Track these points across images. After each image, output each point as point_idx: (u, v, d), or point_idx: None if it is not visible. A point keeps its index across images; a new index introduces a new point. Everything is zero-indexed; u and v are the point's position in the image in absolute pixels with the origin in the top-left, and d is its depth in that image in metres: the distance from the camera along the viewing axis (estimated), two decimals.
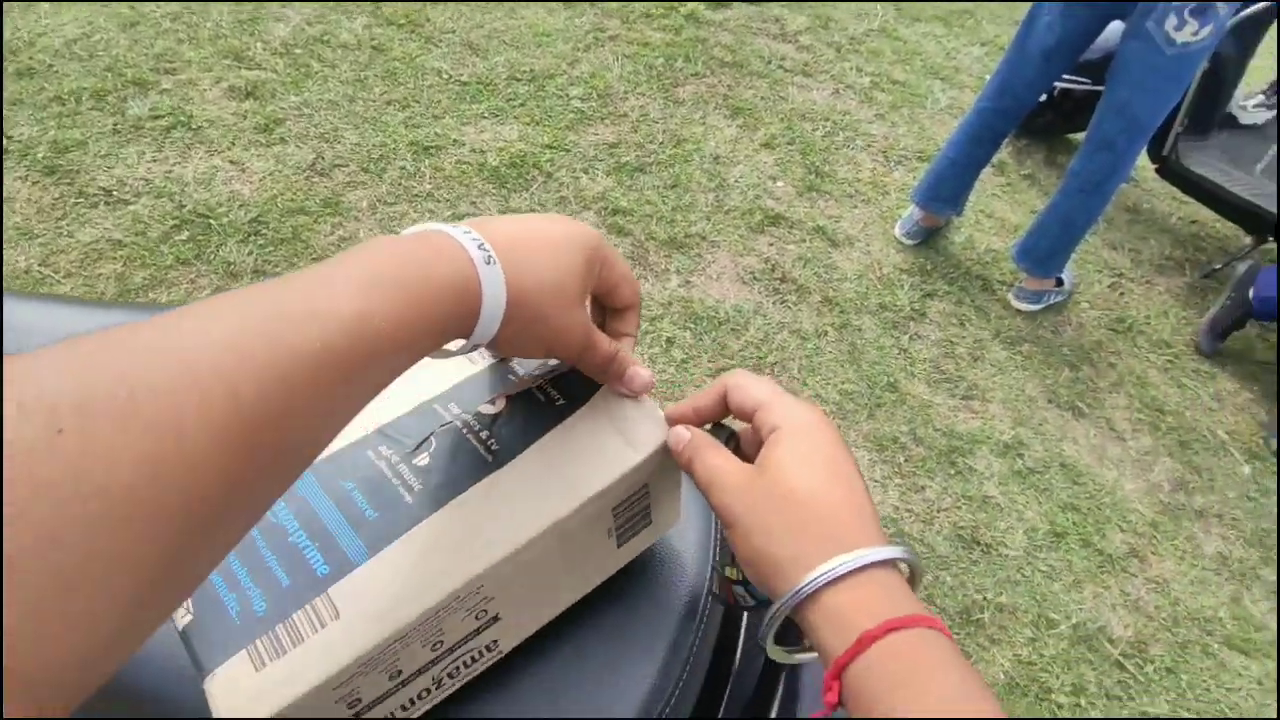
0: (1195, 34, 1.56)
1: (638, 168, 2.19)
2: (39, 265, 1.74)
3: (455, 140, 2.17)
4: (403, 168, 2.07)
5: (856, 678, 0.30)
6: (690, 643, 0.46)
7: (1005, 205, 2.34)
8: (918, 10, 3.12)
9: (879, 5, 3.10)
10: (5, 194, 1.86)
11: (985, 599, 1.46)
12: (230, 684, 0.34)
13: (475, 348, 0.36)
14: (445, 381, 0.45)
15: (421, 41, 2.47)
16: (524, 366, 0.45)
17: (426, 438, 0.42)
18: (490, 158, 2.13)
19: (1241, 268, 2.04)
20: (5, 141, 1.97)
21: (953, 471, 1.65)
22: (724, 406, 0.41)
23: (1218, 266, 2.21)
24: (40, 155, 1.95)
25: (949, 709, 0.28)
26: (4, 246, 1.76)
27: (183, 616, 0.37)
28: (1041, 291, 2.01)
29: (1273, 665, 1.48)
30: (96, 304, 0.63)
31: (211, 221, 1.87)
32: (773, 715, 0.54)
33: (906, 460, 1.65)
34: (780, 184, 2.24)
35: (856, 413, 1.72)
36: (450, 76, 2.36)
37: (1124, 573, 1.56)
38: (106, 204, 1.88)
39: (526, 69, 2.43)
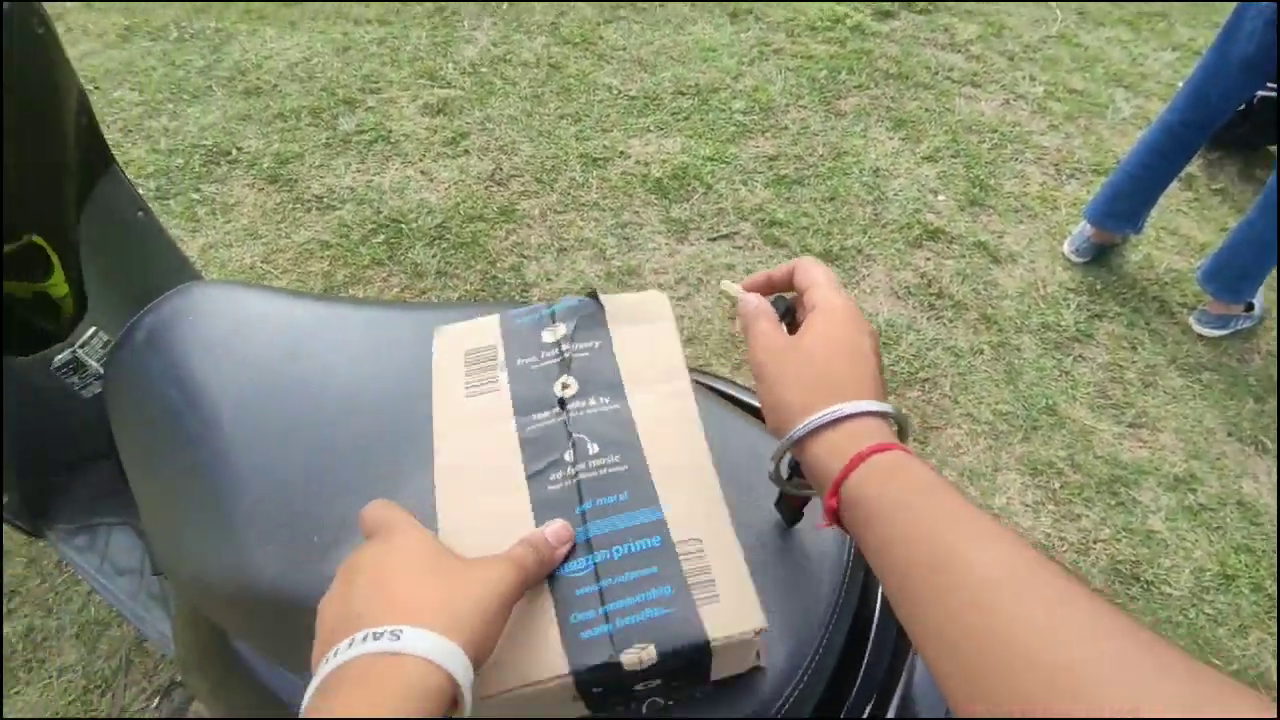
0: None
1: (796, 180, 2.24)
2: (261, 262, 2.04)
3: (622, 152, 2.32)
4: (572, 178, 2.24)
5: (851, 489, 0.38)
6: (818, 640, 0.50)
7: (1192, 222, 2.19)
8: (1102, 13, 2.95)
9: (1059, 7, 2.96)
10: (235, 200, 2.20)
11: None
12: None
13: None
14: None
15: (594, 59, 2.64)
16: None
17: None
18: (654, 169, 2.26)
19: None
20: (236, 152, 2.31)
21: (1114, 502, 1.59)
22: (790, 280, 0.49)
23: None
24: (265, 165, 2.27)
25: (928, 487, 0.36)
26: (230, 246, 2.07)
27: None
28: (1228, 316, 1.88)
29: None
30: (307, 295, 0.77)
31: (403, 226, 2.11)
32: (891, 716, 0.56)
33: (1062, 487, 1.61)
34: (941, 198, 2.21)
35: (1010, 434, 1.70)
36: (620, 91, 2.52)
37: None
38: (318, 209, 2.17)
39: (692, 83, 2.54)
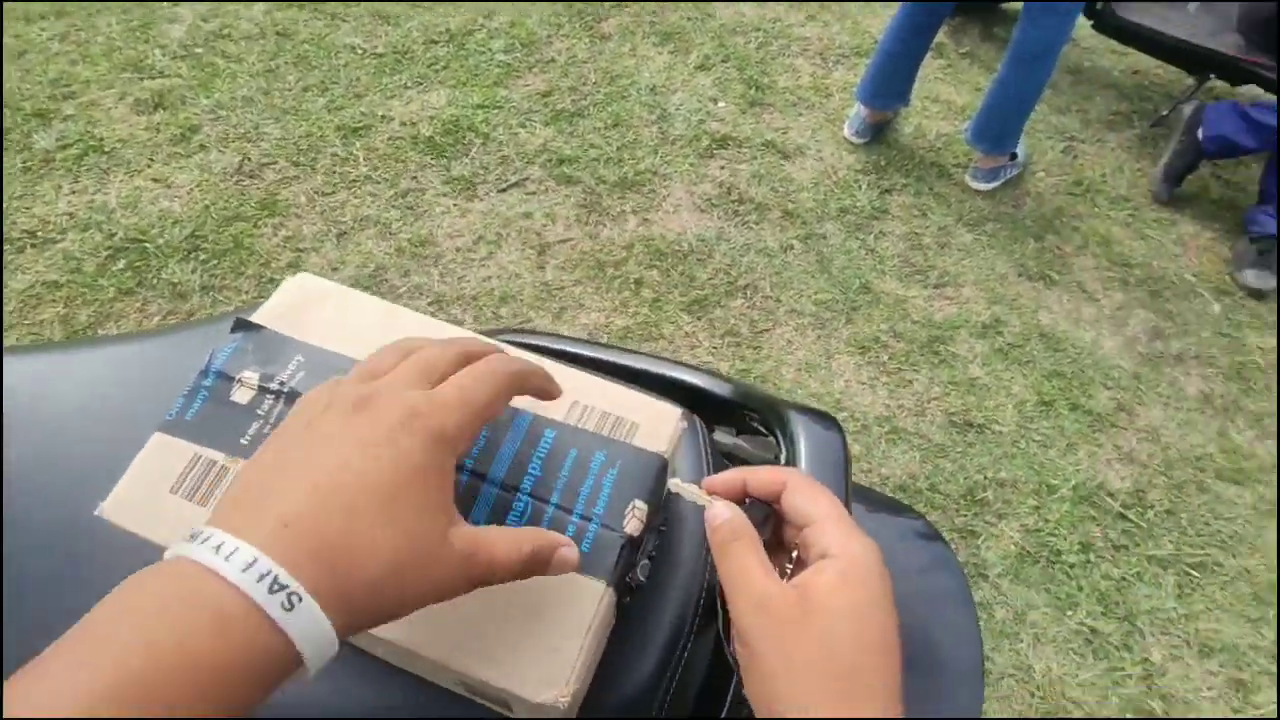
0: None
1: (575, 113, 2.13)
2: None
3: (383, 116, 2.09)
4: (334, 154, 2.00)
5: None
6: (683, 642, 0.44)
7: (949, 87, 2.31)
8: None
9: None
10: None
11: (986, 477, 1.49)
12: None
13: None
14: None
15: (327, 19, 2.36)
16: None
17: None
18: (423, 128, 2.06)
19: (1188, 110, 2.04)
20: None
21: (937, 360, 1.67)
22: (776, 500, 0.36)
23: (1165, 113, 2.21)
24: None
25: None
26: None
27: None
28: (997, 168, 2.00)
29: (1267, 491, 1.54)
30: (45, 348, 0.60)
31: (146, 245, 1.80)
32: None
33: (890, 358, 1.66)
34: (722, 104, 2.19)
35: (835, 320, 1.72)
36: (365, 51, 2.27)
37: (1114, 428, 1.60)
38: (33, 246, 1.80)
39: (442, 29, 2.34)
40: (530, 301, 1.72)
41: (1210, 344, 1.77)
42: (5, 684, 0.22)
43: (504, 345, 0.40)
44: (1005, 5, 2.51)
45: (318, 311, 0.45)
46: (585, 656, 0.35)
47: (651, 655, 0.41)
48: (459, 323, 1.67)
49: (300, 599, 0.25)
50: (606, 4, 2.45)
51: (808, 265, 1.82)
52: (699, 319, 1.70)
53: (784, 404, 0.51)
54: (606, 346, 0.64)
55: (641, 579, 0.41)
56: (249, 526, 0.26)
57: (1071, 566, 1.40)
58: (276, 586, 0.25)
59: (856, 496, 0.62)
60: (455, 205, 1.91)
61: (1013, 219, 1.97)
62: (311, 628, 0.25)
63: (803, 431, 0.49)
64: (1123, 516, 1.48)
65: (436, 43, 2.30)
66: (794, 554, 0.35)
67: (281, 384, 0.42)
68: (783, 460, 0.49)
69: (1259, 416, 1.66)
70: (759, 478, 0.37)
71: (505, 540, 0.32)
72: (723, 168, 2.03)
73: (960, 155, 2.10)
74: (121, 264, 1.77)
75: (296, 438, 0.30)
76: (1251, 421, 1.65)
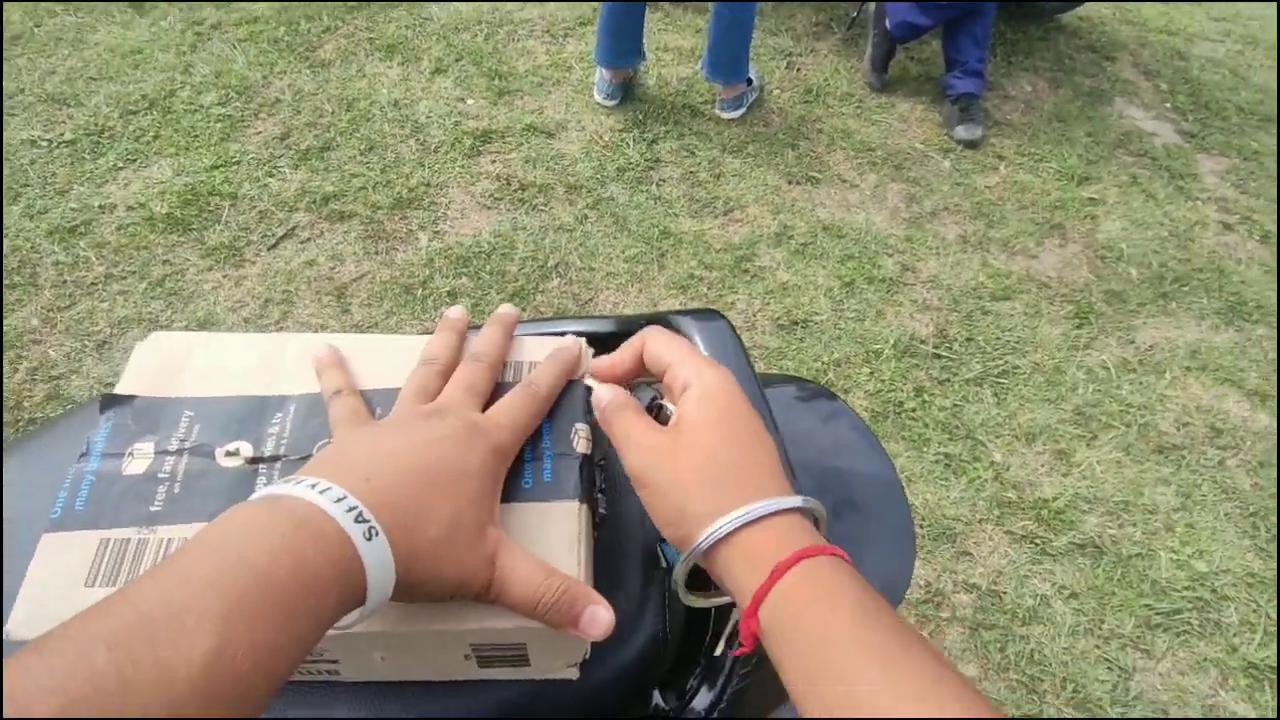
0: None
1: (323, 147, 2.01)
2: None
3: (101, 206, 1.85)
4: (56, 262, 1.74)
5: (773, 606, 0.32)
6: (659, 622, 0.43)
7: (675, 36, 2.45)
8: None
9: None
10: None
11: (823, 363, 1.64)
12: None
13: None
14: None
15: None
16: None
17: None
18: (155, 206, 1.84)
19: (873, 7, 2.32)
20: None
21: (749, 278, 1.79)
22: (641, 362, 0.40)
23: (855, 15, 2.49)
24: None
25: (858, 618, 0.30)
26: None
27: None
28: (739, 96, 2.16)
29: (1029, 298, 1.83)
30: None
31: None
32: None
33: (709, 288, 1.76)
34: (471, 102, 2.16)
35: (649, 270, 1.79)
36: (51, 141, 1.97)
37: (905, 286, 1.82)
38: None
39: (137, 97, 2.09)
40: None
41: (951, 194, 2.05)
42: (148, 573, 0.26)
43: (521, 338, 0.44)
44: None
45: (189, 365, 0.41)
46: (585, 571, 0.36)
47: (634, 581, 0.42)
48: None
49: (378, 532, 0.29)
50: (316, 30, 2.32)
51: (607, 229, 1.87)
52: (524, 309, 1.69)
53: (667, 314, 0.54)
54: (582, 318, 0.63)
55: (603, 511, 0.42)
56: (339, 477, 0.31)
57: (914, 411, 1.59)
58: (362, 519, 0.29)
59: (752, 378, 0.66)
60: (225, 277, 1.73)
61: (767, 136, 2.15)
62: (382, 560, 0.29)
63: (694, 329, 0.52)
64: (937, 356, 1.69)
65: (136, 112, 2.06)
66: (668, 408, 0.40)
67: (181, 441, 0.38)
68: None
69: (1004, 241, 1.96)
70: (622, 354, 0.41)
71: (529, 564, 0.34)
72: (494, 162, 2.01)
73: (705, 93, 2.24)
74: None
75: (381, 429, 0.35)
76: (1001, 247, 1.94)
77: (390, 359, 0.42)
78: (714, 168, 2.05)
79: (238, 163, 1.96)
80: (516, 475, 0.38)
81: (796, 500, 0.35)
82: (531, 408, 0.39)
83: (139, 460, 0.37)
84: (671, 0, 2.56)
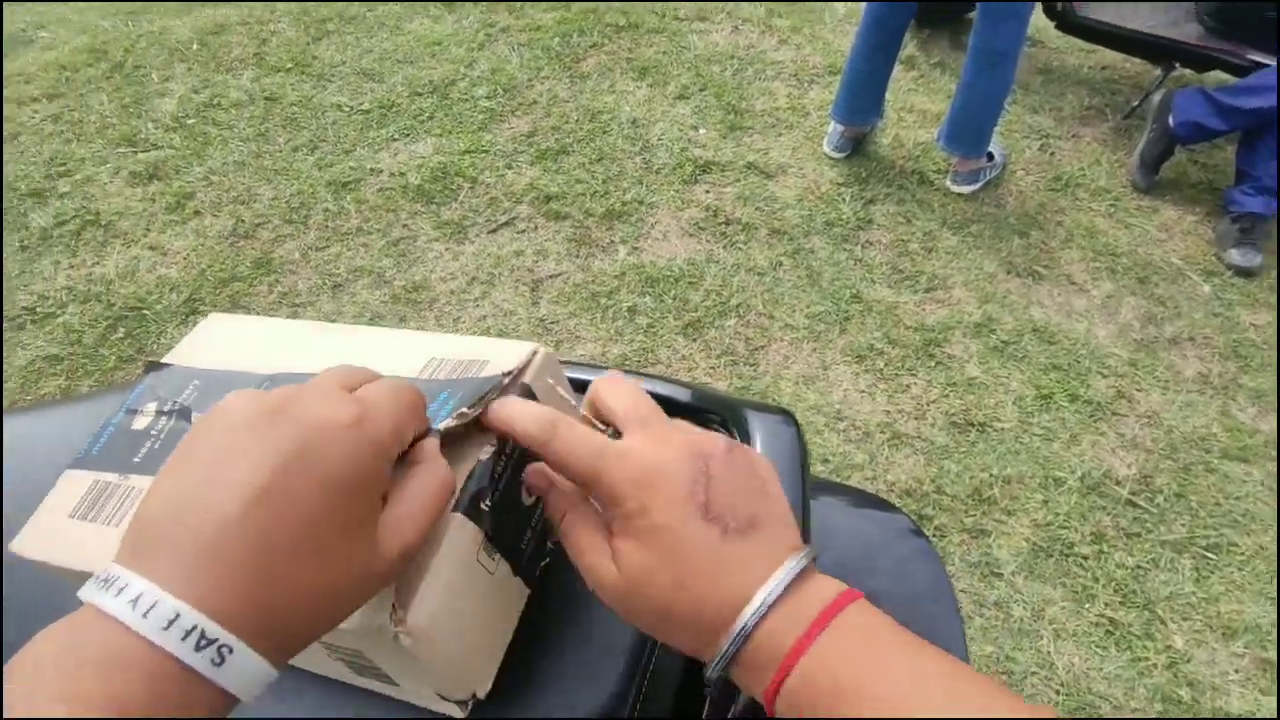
0: None
1: (560, 150, 2.17)
2: None
3: (372, 169, 2.14)
4: (326, 209, 2.04)
5: (808, 672, 0.28)
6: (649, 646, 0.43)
7: (923, 97, 2.36)
8: None
9: None
10: None
11: (991, 475, 1.49)
12: None
13: None
14: None
15: (314, 81, 2.42)
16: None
17: None
18: (411, 177, 2.11)
19: (1157, 99, 2.07)
20: None
21: (933, 363, 1.68)
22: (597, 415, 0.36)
23: (1135, 104, 2.25)
24: None
25: (910, 662, 0.28)
26: None
27: None
28: (976, 171, 2.03)
29: (1272, 467, 1.54)
30: (47, 404, 0.62)
31: (145, 312, 1.84)
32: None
33: (887, 364, 1.67)
34: (702, 131, 2.23)
35: (828, 331, 1.74)
36: (352, 108, 2.32)
37: (1115, 415, 1.60)
38: (33, 322, 1.84)
39: (426, 81, 2.40)
40: (526, 337, 1.73)
41: (1203, 325, 1.78)
42: None
43: None
44: (971, 15, 2.57)
45: (225, 341, 0.46)
46: (434, 589, 0.32)
47: (618, 659, 0.41)
48: None
49: (230, 650, 0.24)
50: (584, 45, 2.52)
51: (798, 280, 1.85)
52: (694, 341, 1.72)
53: (739, 403, 0.53)
54: (573, 364, 0.65)
55: (550, 545, 0.40)
56: (162, 567, 0.24)
57: (1085, 558, 1.40)
58: (204, 642, 0.23)
59: (838, 494, 0.63)
60: (447, 249, 1.94)
61: (996, 219, 2.00)
62: (245, 672, 0.24)
63: (758, 428, 0.51)
64: (1132, 503, 1.48)
65: (421, 94, 2.36)
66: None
67: (175, 404, 0.42)
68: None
69: (1259, 393, 1.66)
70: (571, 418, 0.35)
71: (419, 515, 0.30)
72: (708, 192, 2.06)
73: (940, 161, 2.13)
74: (121, 333, 1.80)
75: (205, 456, 0.27)
76: (1252, 398, 1.65)
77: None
78: (928, 240, 1.94)
79: (486, 151, 2.18)
80: None
81: (794, 568, 0.30)
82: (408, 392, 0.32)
83: (143, 417, 0.42)
84: (931, 64, 2.46)
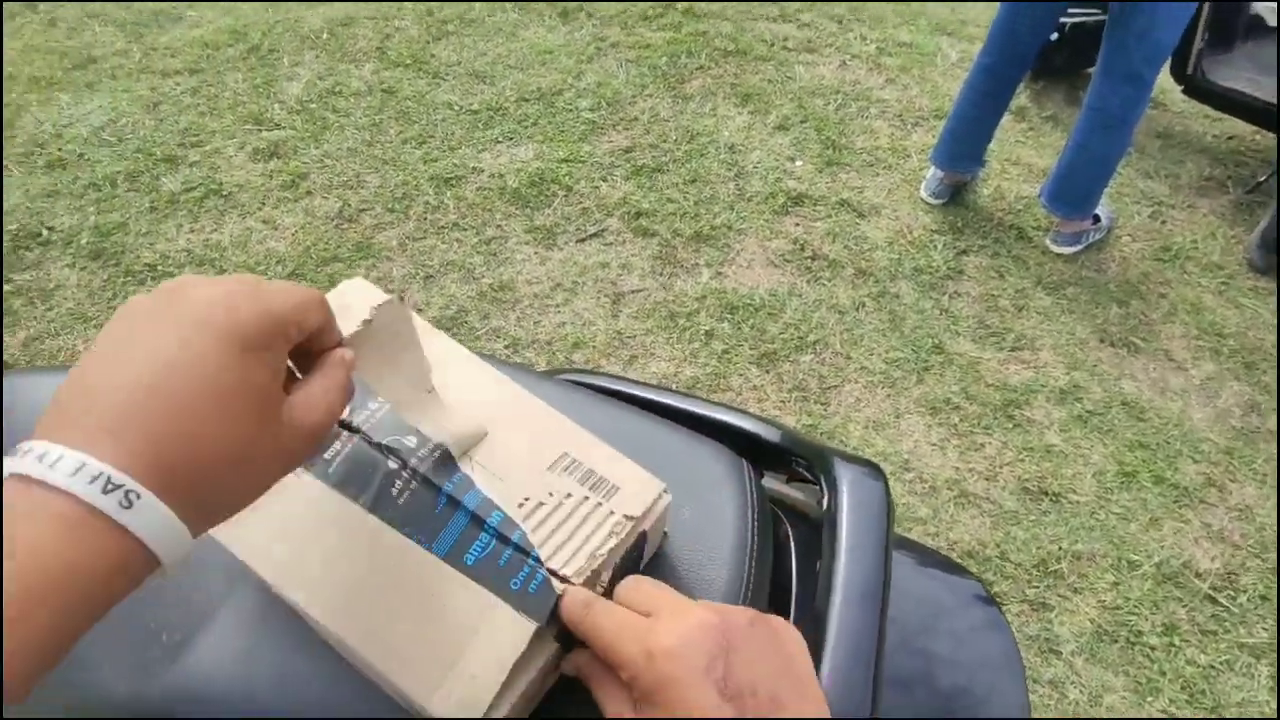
0: None
1: (655, 168, 2.21)
2: None
3: (474, 168, 2.22)
4: (426, 202, 2.13)
5: None
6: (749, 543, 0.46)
7: (1030, 151, 2.30)
8: None
9: None
10: (54, 283, 1.97)
11: (1061, 549, 1.44)
12: None
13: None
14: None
15: (429, 78, 2.53)
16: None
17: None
18: (510, 180, 2.18)
19: None
20: (47, 233, 2.08)
21: (1011, 425, 1.63)
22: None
23: (1262, 179, 2.13)
24: (84, 241, 2.05)
25: None
26: (56, 335, 1.85)
27: None
28: (1080, 232, 1.97)
29: None
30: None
31: None
32: None
33: (962, 420, 1.64)
34: (799, 163, 2.23)
35: (905, 379, 1.71)
36: (461, 107, 2.42)
37: (1203, 504, 1.53)
38: (153, 279, 1.97)
39: (534, 88, 2.48)
40: (602, 348, 1.78)
41: None
42: None
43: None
44: (1090, 70, 2.49)
45: (350, 315, 0.49)
46: (510, 694, 0.36)
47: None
48: (531, 365, 1.74)
49: (139, 496, 0.25)
50: (691, 67, 2.55)
51: (879, 323, 1.82)
52: (767, 372, 1.72)
53: (829, 450, 0.53)
54: (660, 389, 0.67)
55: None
56: (75, 437, 0.25)
57: (1153, 649, 1.33)
58: (110, 486, 0.24)
59: (910, 551, 0.62)
60: (536, 253, 1.99)
61: (1095, 283, 1.93)
62: (156, 521, 0.25)
63: (845, 478, 0.51)
64: (1211, 599, 1.40)
65: (527, 100, 2.44)
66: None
67: None
68: (824, 506, 0.50)
69: None
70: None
71: (329, 397, 0.32)
72: (797, 224, 2.06)
73: (1040, 218, 2.07)
74: None
75: (108, 343, 0.28)
76: None
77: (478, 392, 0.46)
78: (1019, 298, 1.89)
79: (584, 162, 2.23)
80: (513, 567, 0.39)
81: None
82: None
83: None
84: (1043, 117, 2.40)
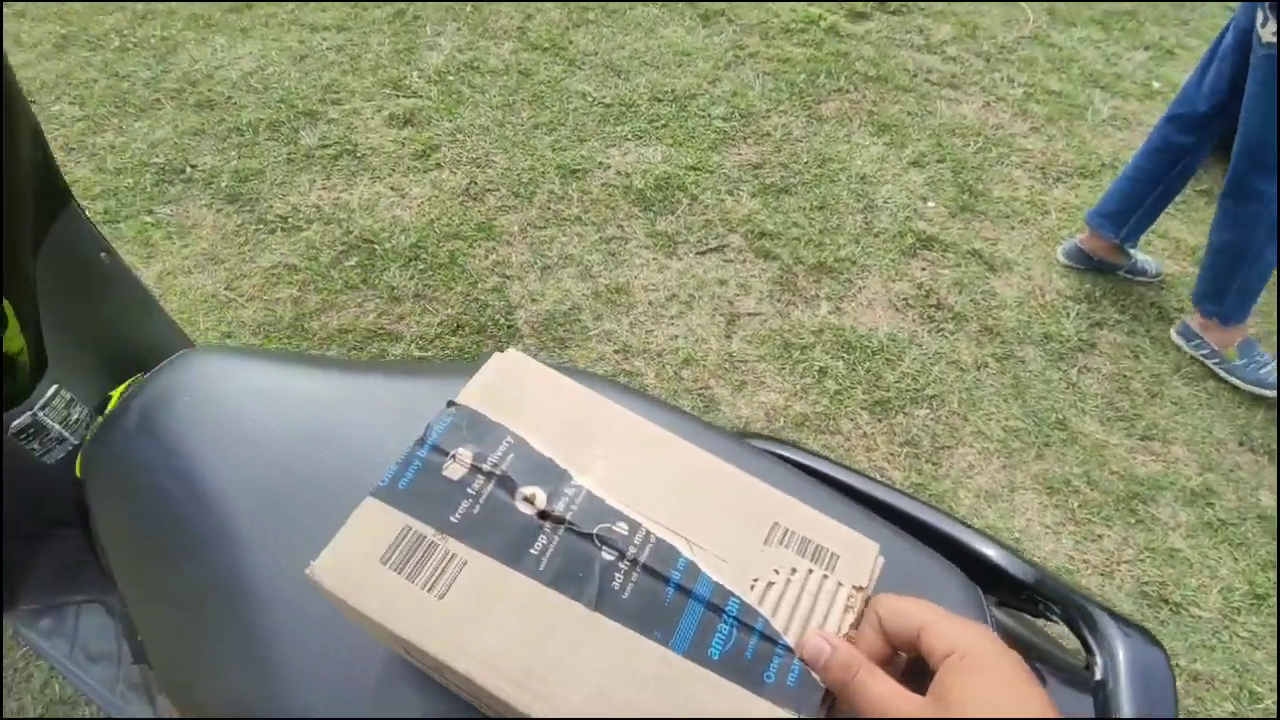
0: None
1: (783, 189, 2.16)
2: (225, 289, 1.89)
3: (600, 163, 2.21)
4: (551, 191, 2.13)
5: None
6: None
7: (1181, 225, 2.17)
8: (1073, 13, 2.94)
9: (1029, 8, 2.94)
10: (193, 221, 2.04)
11: (1177, 665, 1.36)
12: None
13: None
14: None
15: (565, 65, 2.53)
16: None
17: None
18: (635, 180, 2.16)
19: None
20: (190, 170, 2.15)
21: (1133, 520, 1.54)
22: (883, 637, 0.38)
23: None
24: (224, 184, 2.12)
25: None
26: (189, 273, 1.92)
27: None
28: (1199, 338, 1.81)
29: None
30: (322, 362, 0.66)
31: (376, 247, 1.98)
32: None
33: (1081, 505, 1.56)
34: (931, 204, 2.16)
35: (1024, 451, 1.64)
36: (594, 99, 2.41)
37: None
38: (283, 230, 2.02)
39: (668, 89, 2.45)
40: (712, 369, 1.75)
41: None
42: None
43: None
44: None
45: (523, 394, 0.46)
46: None
47: None
48: (639, 376, 1.73)
49: None
50: (829, 88, 2.49)
51: (1001, 388, 1.75)
52: (880, 421, 1.67)
53: (1098, 607, 0.49)
54: (882, 484, 0.63)
55: None
56: None
57: None
58: None
59: None
60: (654, 259, 1.97)
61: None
62: None
63: (1124, 649, 0.47)
64: None
65: (660, 101, 2.42)
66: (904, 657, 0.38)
67: (494, 465, 0.42)
68: (1098, 670, 0.47)
69: None
70: (863, 629, 0.39)
71: None
72: (924, 269, 1.99)
73: (1184, 300, 1.96)
74: (353, 260, 1.95)
75: None
76: None
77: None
78: (1154, 384, 1.79)
79: (711, 172, 2.20)
80: (762, 658, 0.38)
81: None
82: None
83: (457, 466, 0.42)
84: (1198, 190, 2.26)
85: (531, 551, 0.40)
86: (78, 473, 0.77)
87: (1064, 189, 2.25)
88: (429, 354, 1.78)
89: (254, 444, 0.56)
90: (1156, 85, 2.61)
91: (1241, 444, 1.69)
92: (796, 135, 2.34)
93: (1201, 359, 1.82)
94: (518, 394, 0.46)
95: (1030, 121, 2.47)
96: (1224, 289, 1.74)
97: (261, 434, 0.57)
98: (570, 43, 2.63)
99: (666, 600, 0.39)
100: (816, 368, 1.75)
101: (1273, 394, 1.73)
